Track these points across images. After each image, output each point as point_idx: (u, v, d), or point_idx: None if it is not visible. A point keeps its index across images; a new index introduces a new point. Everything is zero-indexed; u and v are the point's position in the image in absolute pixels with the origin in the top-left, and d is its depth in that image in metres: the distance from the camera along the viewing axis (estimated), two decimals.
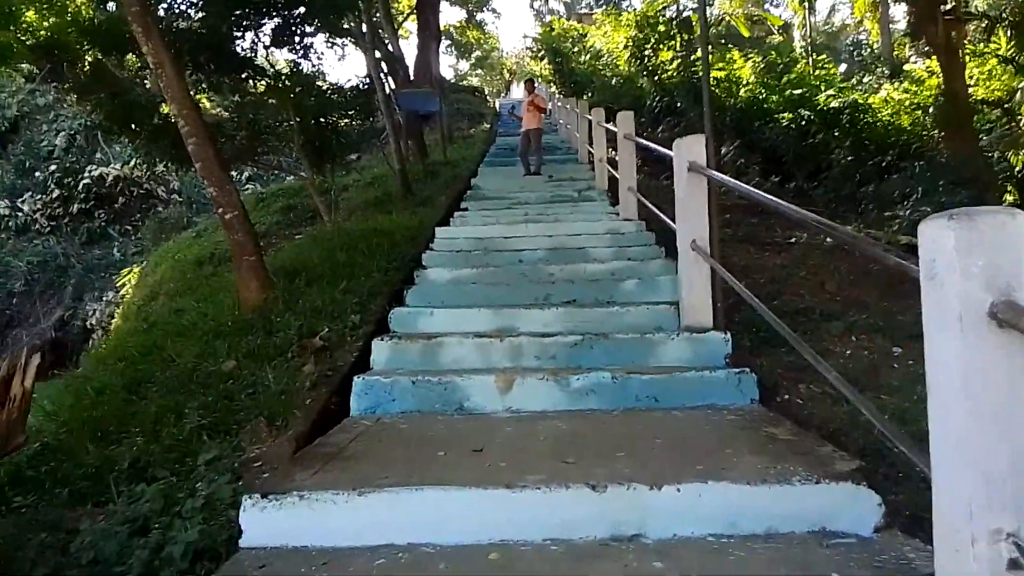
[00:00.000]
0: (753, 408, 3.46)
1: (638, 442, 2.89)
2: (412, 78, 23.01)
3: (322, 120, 11.65)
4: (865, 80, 22.79)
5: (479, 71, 51.34)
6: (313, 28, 10.63)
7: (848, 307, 5.89)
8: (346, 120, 13.94)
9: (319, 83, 12.84)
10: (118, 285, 14.94)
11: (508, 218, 8.07)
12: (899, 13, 36.98)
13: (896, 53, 31.80)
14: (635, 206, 7.21)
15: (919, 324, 1.59)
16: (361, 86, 14.41)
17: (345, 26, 12.95)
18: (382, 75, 19.27)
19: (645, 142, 6.41)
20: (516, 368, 3.95)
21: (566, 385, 3.57)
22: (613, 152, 11.79)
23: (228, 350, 4.95)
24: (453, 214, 8.52)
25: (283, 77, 10.09)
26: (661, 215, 5.51)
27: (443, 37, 42.48)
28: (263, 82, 9.53)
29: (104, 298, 17.96)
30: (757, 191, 3.54)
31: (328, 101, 12.45)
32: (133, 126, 8.03)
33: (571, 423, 3.23)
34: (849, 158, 9.72)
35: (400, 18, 33.55)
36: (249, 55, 9.06)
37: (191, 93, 6.03)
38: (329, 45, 11.38)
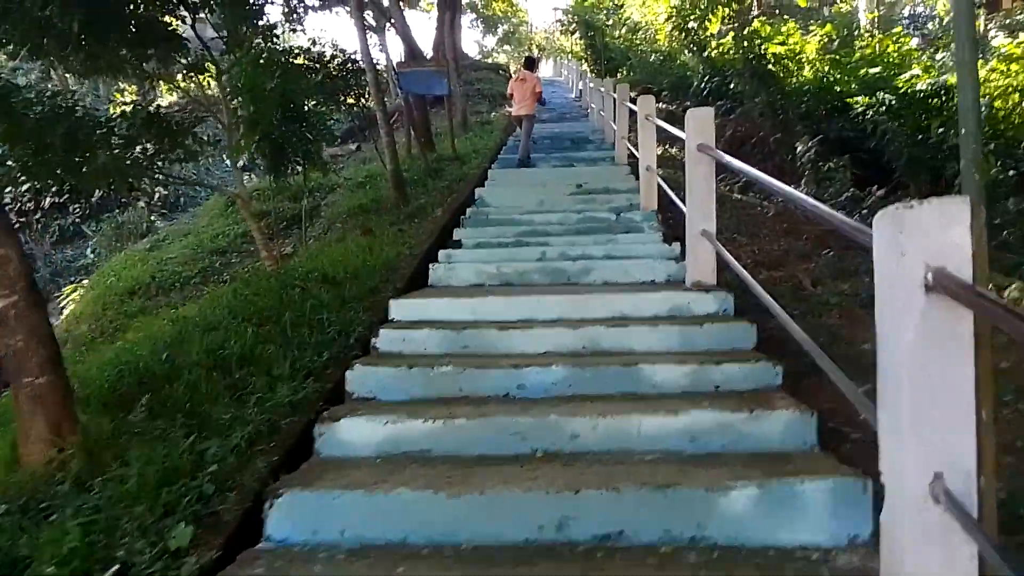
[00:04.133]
0: None
1: None
2: (431, 55, 20.26)
3: (292, 106, 9.07)
4: (938, 57, 19.48)
5: (506, 47, 48.30)
6: None
7: None
8: (328, 106, 11.41)
9: (290, 58, 10.29)
10: (60, 306, 12.54)
11: (514, 265, 5.40)
12: None
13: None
14: (713, 264, 4.47)
15: None
16: (351, 63, 11.86)
17: None
18: (380, 49, 16.59)
19: (743, 166, 3.67)
20: None
21: None
22: (661, 149, 9.05)
23: None
24: (437, 255, 5.90)
25: (223, 52, 7.49)
26: (786, 320, 2.82)
27: (467, 11, 39.59)
28: (184, 59, 6.86)
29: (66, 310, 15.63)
30: None
31: (301, 79, 9.88)
32: None
33: None
34: (1011, 170, 6.79)
35: None
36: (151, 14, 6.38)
37: None
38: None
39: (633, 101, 9.68)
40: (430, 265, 5.55)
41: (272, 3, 16.57)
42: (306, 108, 9.54)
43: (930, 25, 33.11)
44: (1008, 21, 24.78)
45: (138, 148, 6.16)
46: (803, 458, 2.68)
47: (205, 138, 7.33)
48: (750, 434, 2.81)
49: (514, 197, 8.20)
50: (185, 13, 6.96)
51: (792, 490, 2.38)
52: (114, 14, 5.97)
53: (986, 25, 26.60)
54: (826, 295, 5.27)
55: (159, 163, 6.35)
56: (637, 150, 8.44)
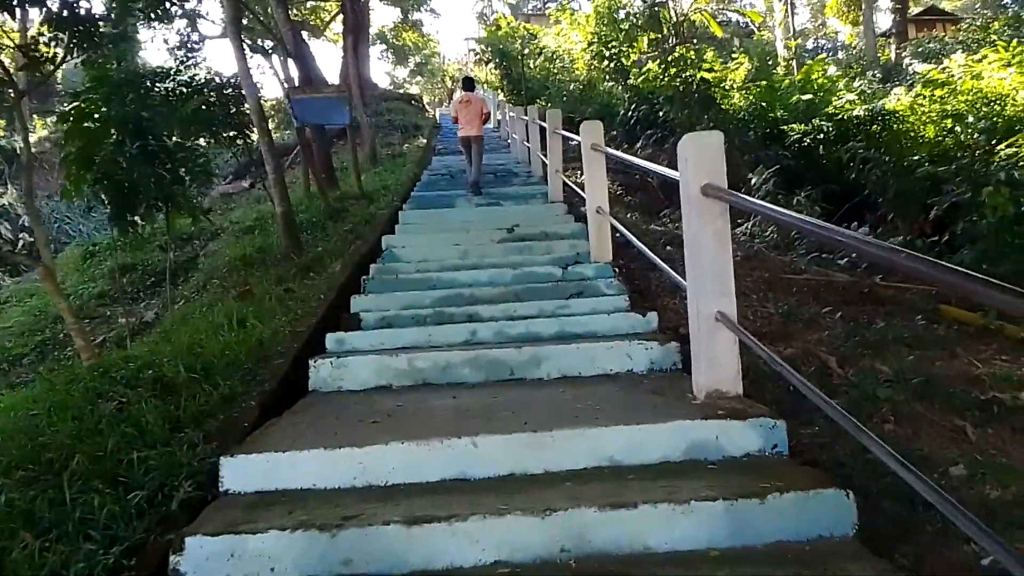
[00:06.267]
0: None
1: None
2: (337, 84, 18.49)
3: (149, 139, 7.26)
4: (855, 84, 18.98)
5: (419, 78, 46.88)
6: None
7: None
8: (205, 139, 9.59)
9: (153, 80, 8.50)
10: None
11: (434, 356, 3.75)
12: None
13: (881, 56, 28.62)
14: (738, 364, 2.93)
15: None
16: (230, 88, 10.04)
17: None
18: (273, 75, 14.86)
19: (800, 217, 2.17)
20: None
21: None
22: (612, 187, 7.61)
23: None
24: (324, 345, 4.19)
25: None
26: None
27: (377, 41, 37.93)
28: None
29: None
30: None
31: (162, 105, 8.09)
32: None
33: None
34: None
35: (326, 16, 29.00)
36: None
37: None
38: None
39: (566, 129, 8.27)
40: (311, 361, 3.82)
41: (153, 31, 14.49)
42: (171, 141, 7.74)
43: (840, 54, 33.64)
44: (920, 49, 24.97)
45: None
46: None
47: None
48: None
49: (431, 247, 6.54)
50: None
51: None
52: None
53: (898, 54, 26.83)
54: (865, 384, 3.79)
55: None
56: (576, 186, 7.01)
